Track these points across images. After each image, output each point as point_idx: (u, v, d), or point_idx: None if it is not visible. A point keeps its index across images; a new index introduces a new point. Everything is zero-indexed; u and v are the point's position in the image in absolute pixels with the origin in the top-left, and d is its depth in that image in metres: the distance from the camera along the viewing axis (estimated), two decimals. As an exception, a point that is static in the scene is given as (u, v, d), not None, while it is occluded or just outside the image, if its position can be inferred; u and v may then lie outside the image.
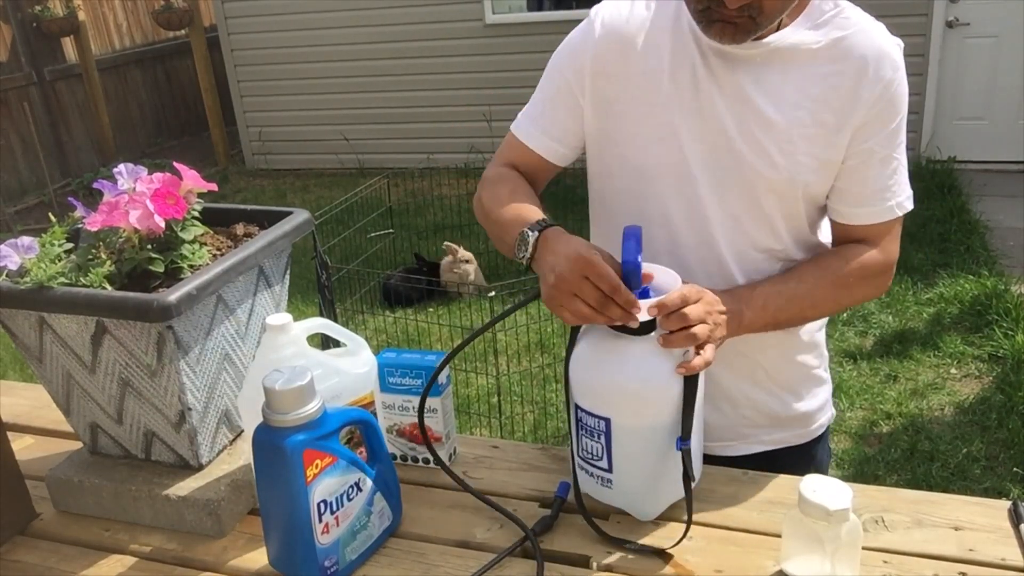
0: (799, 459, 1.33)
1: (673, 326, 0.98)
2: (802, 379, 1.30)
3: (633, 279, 0.97)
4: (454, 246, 4.42)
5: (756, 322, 1.11)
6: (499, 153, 1.31)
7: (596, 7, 1.21)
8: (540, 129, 1.25)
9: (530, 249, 1.07)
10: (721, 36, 1.06)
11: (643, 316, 0.97)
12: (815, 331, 1.29)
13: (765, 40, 1.10)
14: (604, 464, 1.03)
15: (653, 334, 0.99)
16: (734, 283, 1.18)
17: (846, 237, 1.19)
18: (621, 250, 0.99)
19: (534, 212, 1.14)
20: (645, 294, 1.01)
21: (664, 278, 1.03)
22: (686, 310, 0.99)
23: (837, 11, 1.11)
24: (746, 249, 1.18)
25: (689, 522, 1.01)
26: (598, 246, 1.01)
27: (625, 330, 0.99)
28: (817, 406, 1.33)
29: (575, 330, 1.06)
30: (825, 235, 1.25)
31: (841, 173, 1.14)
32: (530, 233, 1.07)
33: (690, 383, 0.99)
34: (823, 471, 1.38)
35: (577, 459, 1.07)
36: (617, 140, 1.19)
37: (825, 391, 1.35)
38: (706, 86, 1.12)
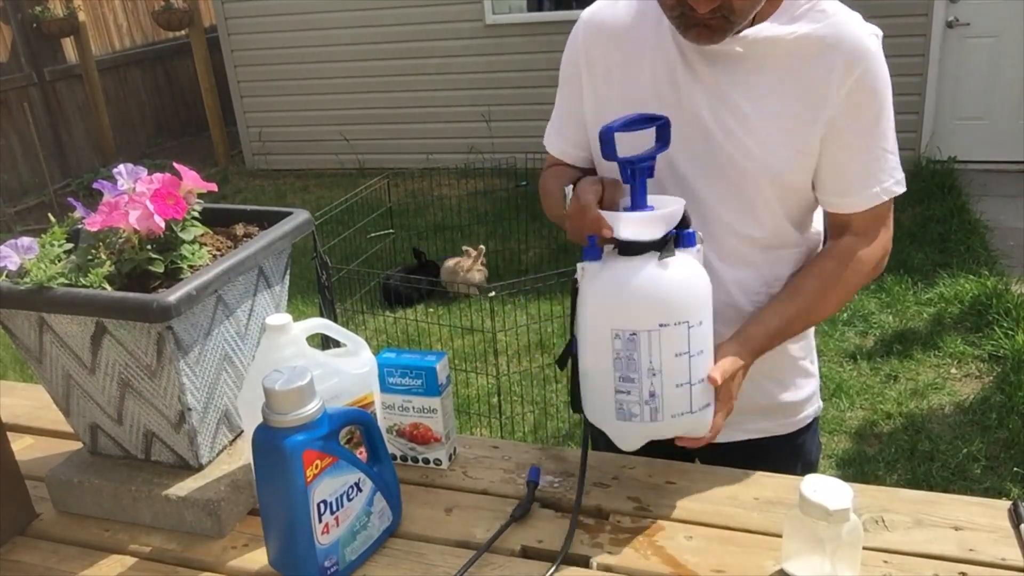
0: (786, 450, 1.34)
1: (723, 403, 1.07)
2: (786, 369, 1.31)
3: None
4: (472, 252, 4.44)
5: (764, 351, 1.16)
6: (546, 163, 1.39)
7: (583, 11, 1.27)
8: (566, 141, 1.32)
9: (568, 200, 1.10)
10: (698, 39, 1.09)
11: (630, 234, 0.99)
12: None
13: (740, 35, 1.12)
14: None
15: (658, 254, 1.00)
16: (714, 270, 1.19)
17: (838, 225, 1.21)
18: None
19: (573, 174, 1.22)
20: (644, 206, 1.03)
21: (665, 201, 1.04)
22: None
23: (812, 5, 1.13)
24: (726, 237, 1.20)
25: None
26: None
27: (632, 252, 1.00)
28: (803, 397, 1.34)
29: (573, 291, 1.06)
30: (817, 223, 1.26)
31: (821, 164, 1.17)
32: (567, 188, 1.11)
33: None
34: (812, 463, 1.40)
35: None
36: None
37: (811, 382, 1.36)
38: (685, 80, 1.16)
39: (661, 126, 1.05)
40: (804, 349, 1.33)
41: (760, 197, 1.18)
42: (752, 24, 1.13)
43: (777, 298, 1.20)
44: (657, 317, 0.97)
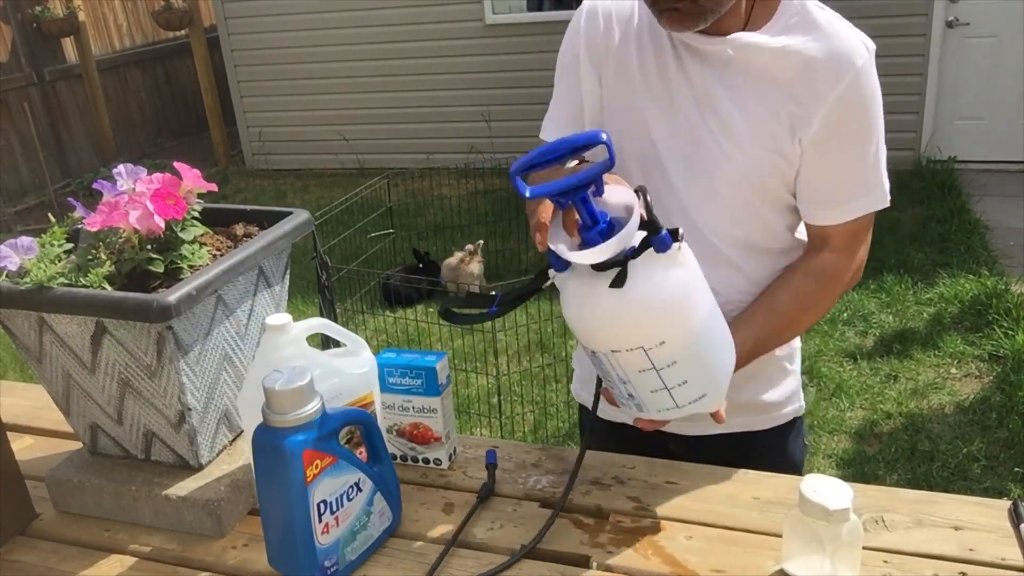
0: (769, 448, 1.34)
1: None
2: (764, 367, 1.29)
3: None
4: (470, 247, 4.45)
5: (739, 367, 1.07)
6: None
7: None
8: (561, 126, 1.28)
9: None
10: (671, 24, 1.09)
11: (598, 258, 0.88)
12: None
13: (729, 37, 1.13)
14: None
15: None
16: None
17: (817, 237, 1.22)
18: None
19: None
20: (608, 230, 0.89)
21: (616, 196, 0.93)
22: None
23: (802, 16, 1.13)
24: (709, 237, 1.20)
25: None
26: None
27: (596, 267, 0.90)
28: (781, 396, 1.34)
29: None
30: (800, 230, 1.26)
31: (800, 175, 1.17)
32: None
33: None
34: (796, 464, 1.39)
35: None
36: (601, 125, 1.22)
37: (791, 382, 1.35)
38: (676, 78, 1.17)
39: (606, 144, 0.89)
40: (785, 348, 1.32)
41: (742, 199, 1.18)
42: (744, 29, 1.14)
43: (752, 317, 1.18)
44: (608, 343, 0.92)
